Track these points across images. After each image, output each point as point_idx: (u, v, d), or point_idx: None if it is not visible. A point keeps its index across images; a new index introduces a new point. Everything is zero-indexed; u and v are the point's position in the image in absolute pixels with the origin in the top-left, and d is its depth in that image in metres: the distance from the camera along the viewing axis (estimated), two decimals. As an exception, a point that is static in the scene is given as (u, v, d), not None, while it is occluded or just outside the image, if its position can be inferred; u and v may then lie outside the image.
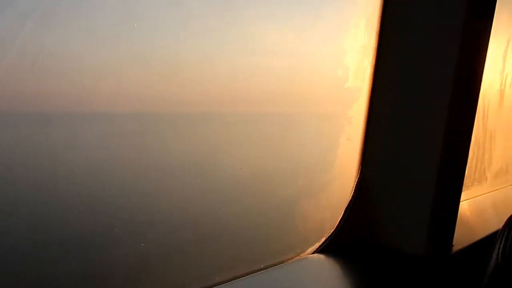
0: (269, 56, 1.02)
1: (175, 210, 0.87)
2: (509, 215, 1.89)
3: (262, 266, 1.01)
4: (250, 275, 0.97)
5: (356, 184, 1.20)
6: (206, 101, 0.93)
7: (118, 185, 0.84)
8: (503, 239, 0.70)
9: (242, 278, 0.95)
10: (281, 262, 1.07)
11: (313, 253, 1.15)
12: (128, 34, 0.84)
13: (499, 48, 1.74)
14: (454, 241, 1.25)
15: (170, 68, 0.88)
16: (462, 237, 1.29)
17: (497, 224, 1.70)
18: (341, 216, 1.20)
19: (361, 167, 1.20)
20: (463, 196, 1.76)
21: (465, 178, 1.76)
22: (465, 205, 1.69)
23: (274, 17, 1.02)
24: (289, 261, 1.09)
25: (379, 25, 1.14)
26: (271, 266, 1.04)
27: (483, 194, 1.88)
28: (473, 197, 1.81)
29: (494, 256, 0.69)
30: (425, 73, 1.09)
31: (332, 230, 1.19)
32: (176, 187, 0.88)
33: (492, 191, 1.96)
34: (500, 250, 0.69)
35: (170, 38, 0.88)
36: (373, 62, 1.15)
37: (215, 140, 0.95)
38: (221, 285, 0.88)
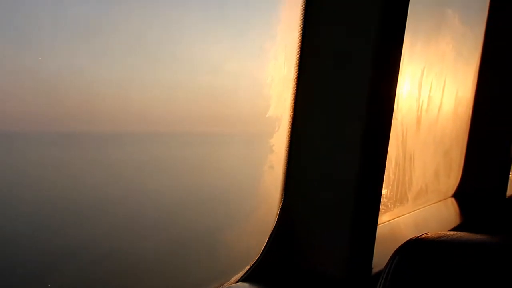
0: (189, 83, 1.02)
1: (85, 244, 0.84)
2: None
3: (184, 298, 1.00)
4: (170, 308, 0.96)
5: (279, 211, 1.22)
6: (119, 120, 0.90)
7: (18, 218, 0.79)
8: (385, 274, 0.73)
9: (161, 312, 0.93)
10: (204, 293, 1.06)
11: (237, 281, 1.15)
12: (30, 56, 0.81)
13: (414, 76, 1.86)
14: (374, 263, 1.30)
15: (79, 85, 0.85)
16: (382, 259, 1.35)
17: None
18: (265, 243, 1.21)
19: (284, 194, 1.22)
20: (386, 217, 1.85)
21: (387, 200, 1.85)
22: (387, 226, 1.77)
23: (192, 42, 1.03)
24: (213, 291, 1.08)
25: (298, 56, 1.18)
26: (193, 297, 1.03)
27: (405, 214, 1.97)
28: (395, 218, 1.89)
29: None
30: (340, 102, 1.14)
31: (257, 258, 1.19)
32: (86, 218, 0.85)
33: (413, 211, 2.06)
34: (381, 286, 0.73)
35: (82, 54, 0.86)
36: (293, 93, 1.19)
37: (130, 164, 0.92)
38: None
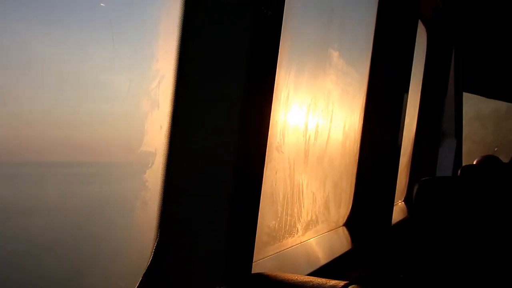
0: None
1: None
2: (319, 262, 2.06)
3: None
4: None
5: (154, 250, 1.18)
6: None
7: None
8: None
9: None
10: None
11: (105, 327, 1.09)
12: None
13: (301, 112, 1.94)
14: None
15: None
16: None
17: (308, 271, 1.84)
18: (138, 283, 1.16)
19: (160, 231, 1.19)
20: (275, 249, 1.88)
21: (276, 232, 1.88)
22: (275, 258, 1.79)
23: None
24: None
25: (173, 91, 1.18)
26: None
27: (295, 245, 2.01)
28: (285, 249, 1.93)
29: None
30: (213, 137, 1.15)
31: (128, 300, 1.14)
32: None
33: (304, 242, 2.12)
34: None
35: None
36: (168, 128, 1.18)
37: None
38: None
